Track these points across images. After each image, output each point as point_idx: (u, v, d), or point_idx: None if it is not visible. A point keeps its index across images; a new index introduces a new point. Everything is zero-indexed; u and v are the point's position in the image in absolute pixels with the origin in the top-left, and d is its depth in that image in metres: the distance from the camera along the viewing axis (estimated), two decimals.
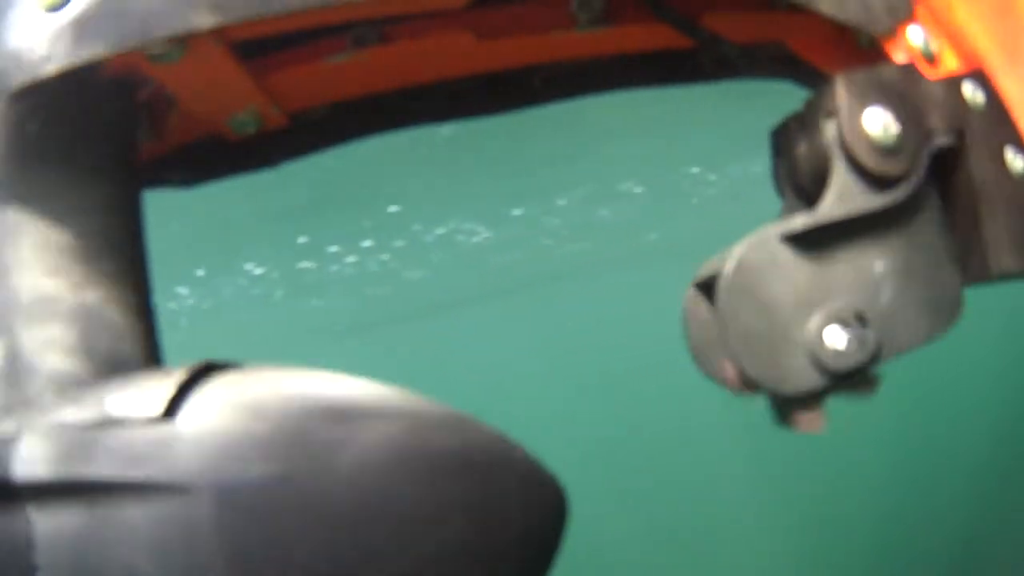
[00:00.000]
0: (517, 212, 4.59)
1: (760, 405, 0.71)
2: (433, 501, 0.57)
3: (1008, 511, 5.05)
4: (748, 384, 0.67)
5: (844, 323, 0.66)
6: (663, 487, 6.60)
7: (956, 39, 0.76)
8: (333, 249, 4.52)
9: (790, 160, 0.75)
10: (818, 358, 0.66)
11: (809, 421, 0.68)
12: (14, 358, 0.67)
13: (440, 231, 4.62)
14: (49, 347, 0.67)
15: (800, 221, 0.67)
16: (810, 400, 0.67)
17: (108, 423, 0.58)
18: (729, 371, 0.68)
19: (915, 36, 0.75)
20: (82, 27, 0.64)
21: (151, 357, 0.72)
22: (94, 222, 0.71)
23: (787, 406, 0.68)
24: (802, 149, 0.74)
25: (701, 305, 0.71)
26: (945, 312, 0.70)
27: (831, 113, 0.69)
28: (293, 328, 5.54)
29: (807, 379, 0.66)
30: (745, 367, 0.65)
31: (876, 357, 0.67)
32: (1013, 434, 5.41)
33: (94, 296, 0.69)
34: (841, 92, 0.69)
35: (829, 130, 0.70)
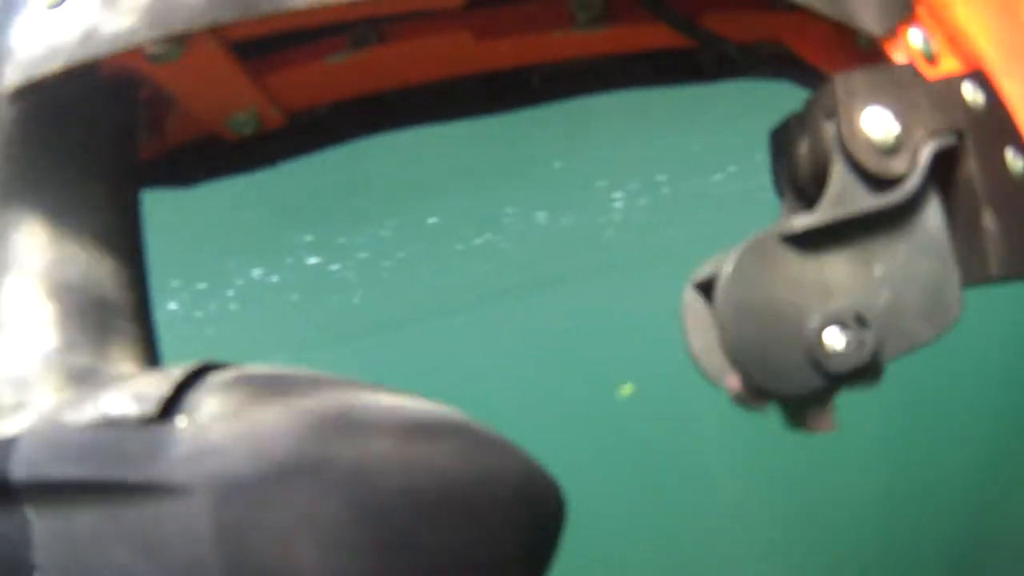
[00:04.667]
0: (516, 215, 4.59)
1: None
2: (431, 502, 0.57)
3: (1008, 512, 5.05)
4: (755, 394, 0.67)
5: (843, 324, 0.66)
6: (662, 487, 6.60)
7: (956, 39, 0.76)
8: (331, 252, 4.52)
9: (790, 160, 0.75)
10: (817, 359, 0.65)
11: (821, 421, 0.68)
12: (12, 358, 0.66)
13: (438, 234, 4.63)
14: (47, 348, 0.67)
15: (800, 222, 0.67)
16: (820, 400, 0.67)
17: (105, 424, 0.58)
18: (735, 384, 0.67)
19: (915, 36, 0.75)
20: (81, 26, 0.64)
21: (149, 357, 0.72)
22: (93, 221, 0.71)
23: (797, 408, 0.68)
24: (802, 149, 0.73)
25: (700, 306, 0.71)
26: (945, 313, 0.70)
27: (831, 113, 0.69)
28: (291, 330, 5.54)
29: (806, 380, 0.66)
30: (743, 368, 0.65)
31: (875, 359, 0.67)
32: (1013, 435, 5.41)
33: (92, 296, 0.69)
34: (840, 92, 0.69)
35: (829, 130, 0.69)
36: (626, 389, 6.87)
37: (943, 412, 5.87)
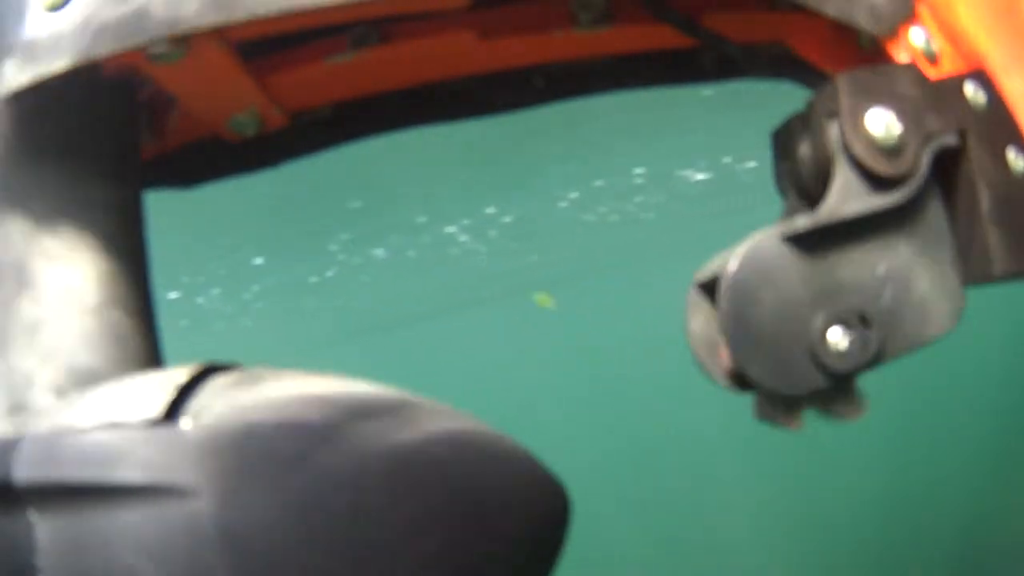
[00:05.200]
0: (518, 213, 4.60)
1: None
2: (435, 502, 0.57)
3: (1009, 512, 5.05)
4: (740, 380, 0.68)
5: (846, 324, 0.66)
6: (665, 487, 6.60)
7: (957, 39, 0.76)
8: (334, 252, 4.53)
9: (792, 161, 0.75)
10: (820, 358, 0.66)
11: (788, 418, 0.68)
12: (16, 361, 0.66)
13: (440, 234, 4.63)
14: (50, 349, 0.67)
15: (802, 222, 0.67)
16: (823, 398, 0.68)
17: (109, 426, 0.58)
18: (724, 362, 0.68)
19: (916, 36, 0.75)
20: (83, 27, 0.64)
21: (152, 358, 0.72)
22: (95, 222, 0.71)
23: (772, 403, 0.69)
24: (804, 149, 0.73)
25: (703, 305, 0.71)
26: (947, 312, 0.70)
27: (833, 113, 0.69)
28: (294, 331, 5.55)
29: (809, 379, 0.66)
30: (747, 367, 0.65)
31: (878, 358, 0.67)
32: (1014, 435, 5.41)
33: (95, 297, 0.69)
34: (843, 92, 0.69)
35: (831, 130, 0.69)
36: (543, 299, 6.57)
37: (944, 412, 5.87)
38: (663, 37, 0.88)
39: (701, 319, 0.71)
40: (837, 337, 0.66)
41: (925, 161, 0.69)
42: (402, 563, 0.56)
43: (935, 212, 0.71)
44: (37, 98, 0.69)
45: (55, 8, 0.65)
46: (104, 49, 0.64)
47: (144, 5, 0.64)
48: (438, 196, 3.85)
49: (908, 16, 0.75)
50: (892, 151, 0.68)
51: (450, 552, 0.58)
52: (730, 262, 0.66)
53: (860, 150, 0.68)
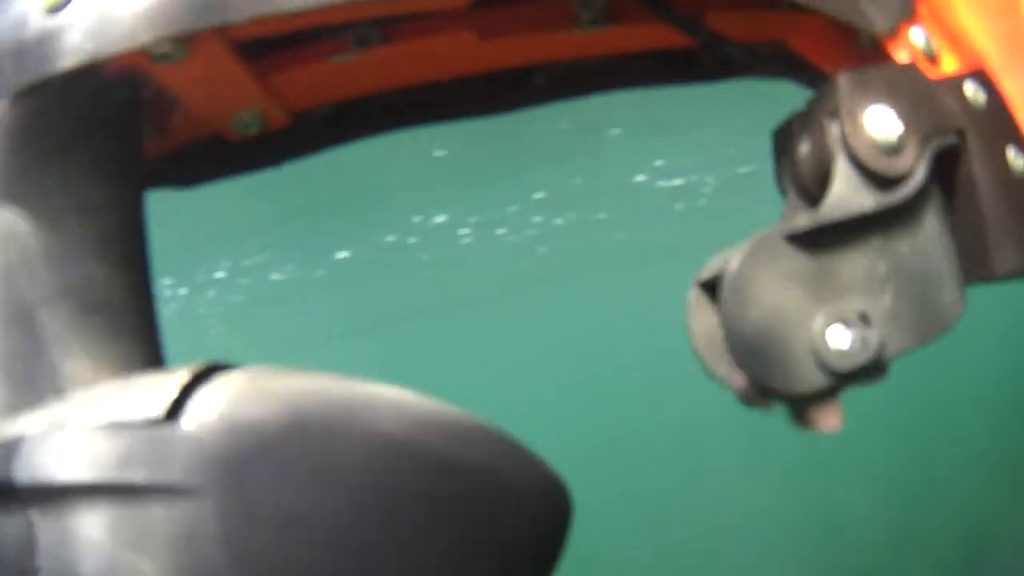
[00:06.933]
0: (517, 211, 4.61)
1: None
2: (437, 501, 0.57)
3: (1011, 511, 5.04)
4: (759, 393, 0.67)
5: (847, 323, 0.66)
6: (666, 486, 6.60)
7: (957, 39, 0.76)
8: (335, 250, 4.53)
9: (792, 160, 0.76)
10: (822, 358, 0.66)
11: (826, 419, 0.68)
12: (15, 359, 0.67)
13: (441, 231, 4.64)
14: (51, 348, 0.67)
15: (803, 221, 0.67)
16: (824, 398, 0.68)
17: (110, 425, 0.58)
18: (739, 382, 0.68)
19: (916, 36, 0.75)
20: (85, 27, 0.64)
21: (154, 358, 0.72)
22: (96, 221, 0.71)
23: (802, 406, 0.69)
24: (804, 149, 0.74)
25: (704, 305, 0.71)
26: (947, 311, 0.70)
27: (833, 112, 0.70)
28: (296, 329, 5.55)
29: (811, 379, 0.66)
30: (748, 367, 0.66)
31: (879, 357, 0.67)
32: (1015, 434, 5.40)
33: (96, 296, 0.69)
34: (843, 91, 0.69)
35: (831, 129, 0.70)
36: None
37: (945, 409, 5.87)
38: (663, 37, 0.88)
39: (702, 318, 0.71)
40: (838, 336, 0.66)
41: (925, 160, 0.69)
42: (405, 563, 0.57)
43: (935, 211, 0.71)
44: (38, 98, 0.69)
45: (55, 9, 0.66)
46: (106, 50, 0.64)
47: (145, 6, 0.64)
48: (436, 194, 3.85)
49: (908, 15, 0.75)
50: (892, 150, 0.68)
51: (454, 552, 0.58)
52: (731, 261, 0.66)
53: (860, 149, 0.68)
